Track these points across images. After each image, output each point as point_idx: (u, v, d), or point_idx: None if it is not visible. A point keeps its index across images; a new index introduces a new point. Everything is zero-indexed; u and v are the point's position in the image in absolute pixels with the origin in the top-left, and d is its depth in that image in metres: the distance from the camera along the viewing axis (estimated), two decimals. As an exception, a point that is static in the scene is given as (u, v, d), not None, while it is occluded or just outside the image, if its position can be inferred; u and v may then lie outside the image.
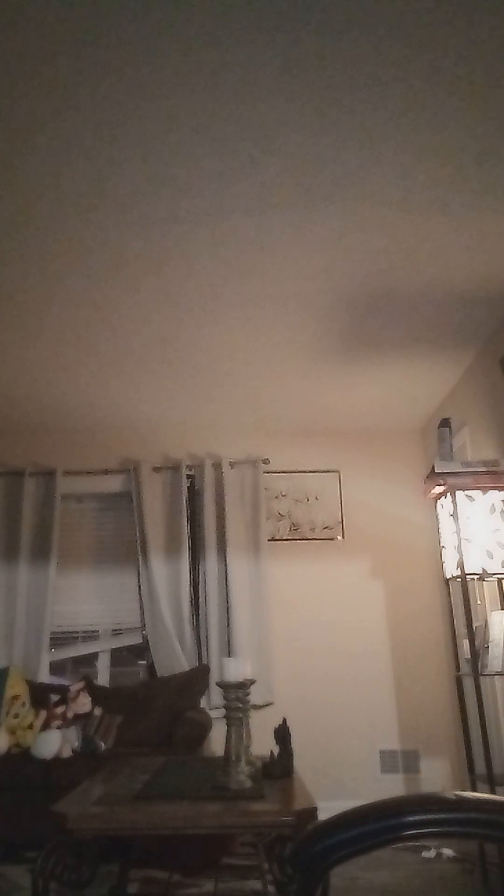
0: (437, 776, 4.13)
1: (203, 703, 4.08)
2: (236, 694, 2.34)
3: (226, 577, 4.28)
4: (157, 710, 3.84)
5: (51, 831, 2.12)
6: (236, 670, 2.38)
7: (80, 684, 3.86)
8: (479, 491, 3.07)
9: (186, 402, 4.30)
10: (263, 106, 1.98)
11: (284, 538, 4.54)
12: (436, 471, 3.11)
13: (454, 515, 3.04)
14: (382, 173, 2.27)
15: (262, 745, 3.90)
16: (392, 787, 4.11)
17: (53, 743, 3.37)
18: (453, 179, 2.30)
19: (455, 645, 3.25)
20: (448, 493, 3.13)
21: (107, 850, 2.75)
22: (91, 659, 4.38)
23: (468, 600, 2.93)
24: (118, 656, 4.43)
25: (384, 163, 2.22)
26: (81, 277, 2.85)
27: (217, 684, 2.45)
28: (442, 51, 1.81)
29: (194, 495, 4.54)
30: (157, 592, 4.26)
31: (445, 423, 3.65)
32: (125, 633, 4.38)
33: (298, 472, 4.66)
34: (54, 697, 3.78)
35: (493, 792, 2.50)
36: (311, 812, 1.97)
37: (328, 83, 1.91)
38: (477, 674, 2.83)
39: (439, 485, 3.14)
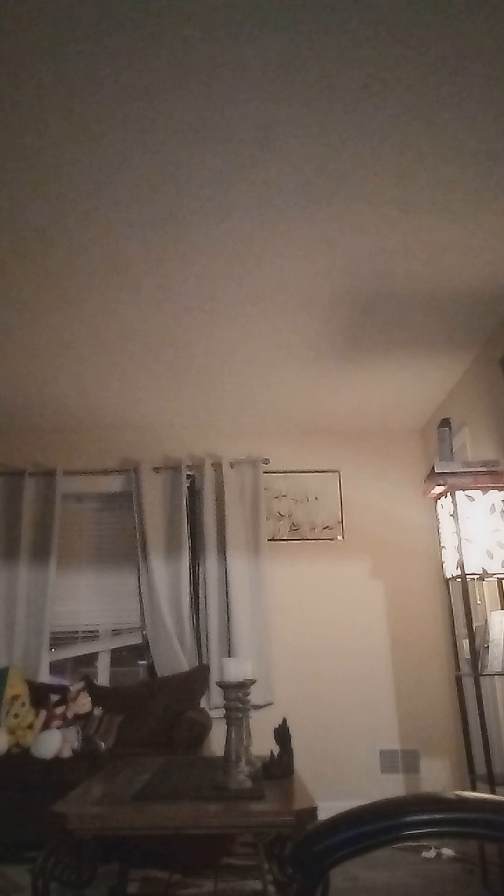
0: (437, 776, 4.13)
1: (203, 703, 4.08)
2: (236, 694, 2.34)
3: (226, 577, 4.28)
4: (157, 710, 3.84)
5: (51, 831, 2.12)
6: (236, 670, 2.38)
7: (80, 684, 3.86)
8: (479, 491, 3.07)
9: (186, 402, 4.30)
10: (264, 106, 1.98)
11: (284, 538, 4.54)
12: (436, 471, 3.11)
13: (454, 515, 3.04)
14: (382, 173, 2.27)
15: (262, 745, 3.90)
16: (392, 787, 4.11)
17: (53, 743, 3.37)
18: (453, 179, 2.30)
19: (455, 645, 3.25)
20: (448, 493, 3.13)
21: (107, 850, 2.74)
22: (91, 659, 4.38)
23: (468, 600, 2.93)
24: (118, 656, 4.43)
25: (384, 163, 2.22)
26: (81, 277, 2.85)
27: (217, 684, 2.45)
28: (442, 51, 1.81)
29: (194, 495, 4.54)
30: (157, 592, 4.26)
31: (445, 423, 3.65)
32: (125, 633, 4.38)
33: (298, 472, 4.66)
34: (54, 697, 3.78)
35: (493, 792, 2.50)
36: (311, 812, 1.97)
37: (328, 83, 1.91)
38: (477, 674, 2.83)
39: (439, 485, 3.14)
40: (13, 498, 4.46)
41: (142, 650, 4.39)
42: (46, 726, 3.56)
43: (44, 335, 3.35)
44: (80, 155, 2.16)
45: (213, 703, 4.09)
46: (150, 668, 4.26)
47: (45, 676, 4.13)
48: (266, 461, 4.61)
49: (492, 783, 2.64)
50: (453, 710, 4.16)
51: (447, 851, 3.24)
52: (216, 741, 4.00)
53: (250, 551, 4.40)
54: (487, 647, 2.98)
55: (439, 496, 3.27)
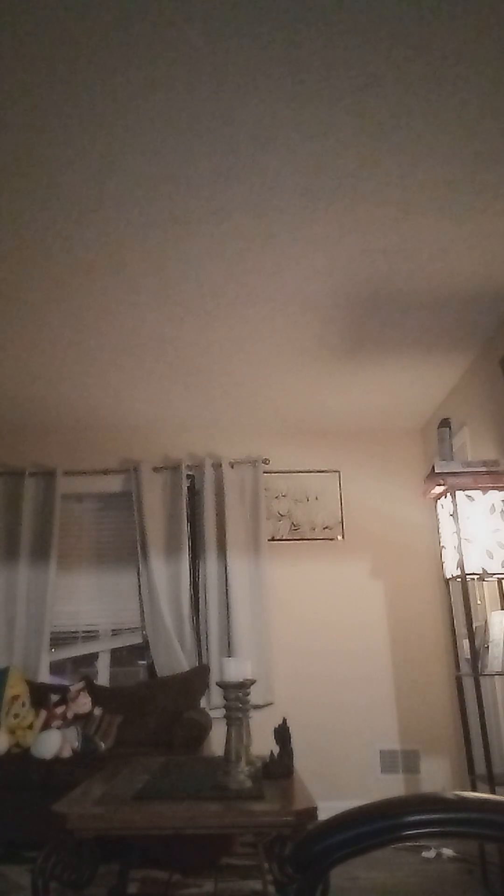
0: (437, 776, 4.13)
1: (203, 703, 4.08)
2: (236, 694, 2.34)
3: (226, 577, 4.28)
4: (157, 710, 3.84)
5: (51, 831, 2.12)
6: (236, 670, 2.37)
7: (80, 684, 3.86)
8: (479, 491, 3.07)
9: (186, 402, 4.30)
10: (264, 106, 1.98)
11: (284, 538, 4.54)
12: (436, 471, 3.11)
13: (454, 515, 3.04)
14: (382, 173, 2.27)
15: (262, 745, 3.90)
16: (392, 787, 4.11)
17: (53, 743, 3.37)
18: (453, 179, 2.30)
19: (455, 645, 3.25)
20: (448, 493, 3.13)
21: (107, 850, 2.74)
22: (91, 659, 4.38)
23: (468, 600, 2.93)
24: (118, 656, 4.43)
25: (384, 163, 2.22)
26: (81, 277, 2.85)
27: (217, 684, 2.45)
28: (442, 51, 1.81)
29: (194, 495, 4.54)
30: (157, 592, 4.26)
31: (445, 423, 3.65)
32: (125, 633, 4.38)
33: (298, 472, 4.66)
34: (54, 697, 3.78)
35: (493, 792, 2.50)
36: (311, 812, 1.97)
37: (328, 83, 1.91)
38: (477, 674, 2.83)
39: (439, 485, 3.14)
40: (13, 498, 4.46)
41: (142, 650, 4.39)
42: (46, 726, 3.56)
43: (44, 335, 3.35)
44: (81, 155, 2.16)
45: (213, 703, 4.09)
46: (150, 668, 4.26)
47: (45, 676, 4.13)
48: (266, 461, 4.61)
49: (492, 783, 2.64)
50: (453, 710, 4.16)
51: (447, 851, 3.24)
52: (216, 741, 4.00)
53: (250, 551, 4.40)
54: (487, 647, 2.98)
55: (439, 496, 3.27)
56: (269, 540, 4.47)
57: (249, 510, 4.49)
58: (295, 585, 4.47)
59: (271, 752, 2.57)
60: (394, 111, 2.01)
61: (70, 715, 3.64)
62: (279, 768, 2.48)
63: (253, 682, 2.42)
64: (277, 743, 2.57)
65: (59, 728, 3.52)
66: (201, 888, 2.84)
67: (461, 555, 2.96)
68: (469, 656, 2.95)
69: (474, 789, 2.93)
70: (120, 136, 2.08)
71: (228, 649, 4.18)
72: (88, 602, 4.41)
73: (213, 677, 4.11)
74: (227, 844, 3.17)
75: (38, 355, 3.57)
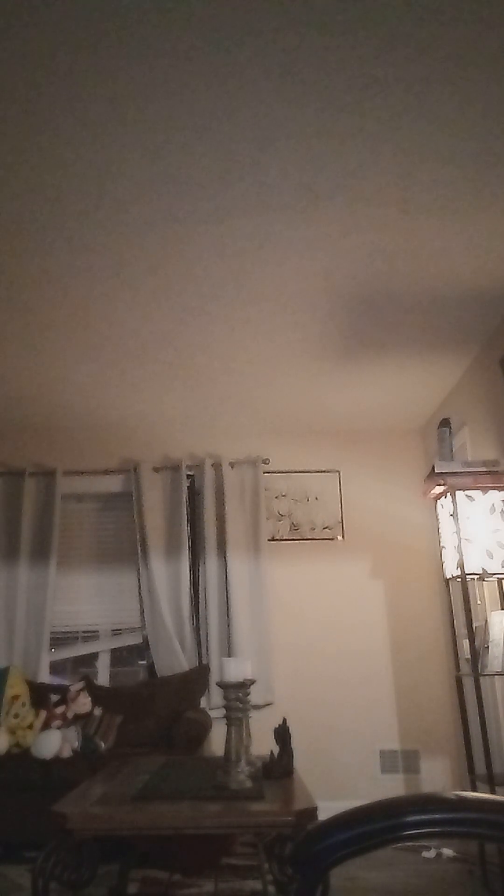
0: (437, 776, 4.13)
1: (203, 703, 4.08)
2: (236, 694, 2.34)
3: (226, 577, 4.28)
4: (157, 710, 3.84)
5: (51, 831, 2.12)
6: (236, 670, 2.37)
7: (80, 684, 3.86)
8: (479, 491, 3.07)
9: (186, 402, 4.29)
10: (264, 106, 1.98)
11: (284, 538, 4.54)
12: (436, 471, 3.11)
13: (454, 515, 3.04)
14: (382, 173, 2.27)
15: (262, 745, 3.90)
16: (392, 787, 4.11)
17: (53, 743, 3.37)
18: (453, 179, 2.30)
19: (455, 645, 3.25)
20: (448, 493, 3.13)
21: (107, 850, 2.74)
22: (91, 659, 4.38)
23: (468, 600, 2.93)
24: (118, 656, 4.43)
25: (384, 163, 2.22)
26: (82, 278, 2.85)
27: (217, 684, 2.45)
28: (442, 51, 1.81)
29: (194, 495, 4.54)
30: (157, 592, 4.26)
31: (445, 423, 3.65)
32: (125, 633, 4.38)
33: (298, 472, 4.66)
34: (54, 697, 3.78)
35: (493, 792, 2.50)
36: (311, 812, 1.97)
37: (328, 84, 1.91)
38: (477, 674, 2.83)
39: (439, 485, 3.14)
40: (13, 498, 4.46)
41: (142, 650, 4.39)
42: (46, 726, 3.56)
43: (44, 335, 3.35)
44: (80, 155, 2.16)
45: (213, 703, 4.09)
46: (150, 668, 4.26)
47: (45, 676, 4.13)
48: (266, 461, 4.61)
49: (492, 783, 2.64)
50: (453, 710, 4.16)
51: (447, 851, 3.24)
52: (216, 741, 4.00)
53: (250, 551, 4.40)
54: (487, 647, 2.98)
55: (439, 496, 3.27)
56: (269, 540, 4.47)
57: (249, 510, 4.49)
58: (295, 585, 4.47)
59: (271, 752, 2.56)
60: (394, 111, 2.01)
61: (70, 715, 3.64)
62: (279, 768, 2.48)
63: (253, 682, 2.42)
64: (277, 743, 2.57)
65: (59, 728, 3.52)
66: (201, 888, 2.84)
67: (461, 555, 2.96)
68: (469, 656, 2.95)
69: (474, 789, 2.93)
70: (120, 136, 2.08)
71: (228, 649, 4.18)
72: (88, 602, 4.41)
73: (213, 677, 4.11)
74: (227, 844, 3.16)
75: (38, 355, 3.57)
